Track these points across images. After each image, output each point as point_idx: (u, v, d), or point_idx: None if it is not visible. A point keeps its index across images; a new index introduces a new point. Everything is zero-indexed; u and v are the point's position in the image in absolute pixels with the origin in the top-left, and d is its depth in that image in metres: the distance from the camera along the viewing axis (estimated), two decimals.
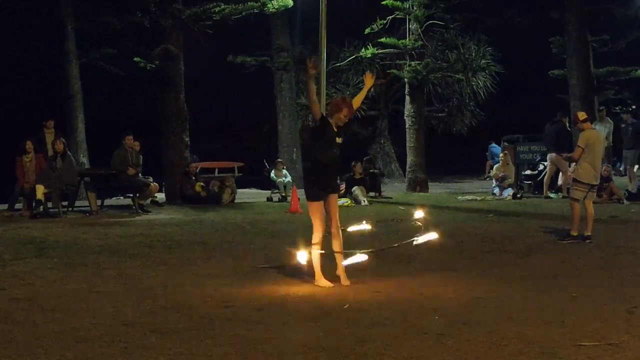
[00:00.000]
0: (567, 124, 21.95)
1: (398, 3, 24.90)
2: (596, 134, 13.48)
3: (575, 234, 12.99)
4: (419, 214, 10.31)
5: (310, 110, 9.36)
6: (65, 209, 17.98)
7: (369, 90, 10.41)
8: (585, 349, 6.43)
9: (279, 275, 10.05)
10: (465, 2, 26.61)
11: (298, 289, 9.10)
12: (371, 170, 23.07)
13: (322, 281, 9.39)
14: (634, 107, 30.79)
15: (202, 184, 20.50)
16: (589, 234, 13.04)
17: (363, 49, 27.05)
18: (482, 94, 32.64)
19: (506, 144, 26.44)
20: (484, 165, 31.70)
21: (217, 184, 20.88)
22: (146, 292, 8.93)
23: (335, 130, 9.43)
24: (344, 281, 9.45)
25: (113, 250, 12.43)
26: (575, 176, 13.18)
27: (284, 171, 22.95)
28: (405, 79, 25.65)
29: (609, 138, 23.94)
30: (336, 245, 9.56)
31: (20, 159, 17.95)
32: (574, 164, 13.59)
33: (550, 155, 21.38)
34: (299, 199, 19.05)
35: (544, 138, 22.24)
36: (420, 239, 9.62)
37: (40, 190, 17.16)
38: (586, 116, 13.70)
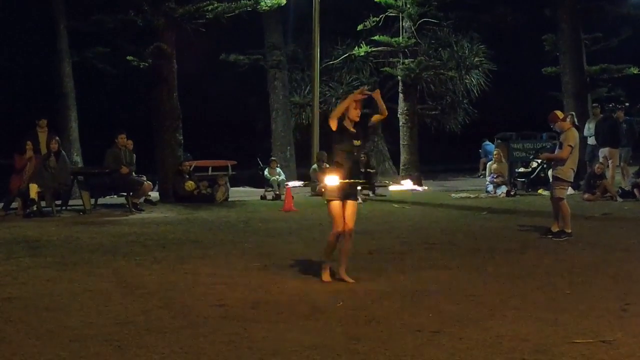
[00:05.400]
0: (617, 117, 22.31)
1: (391, 1, 24.94)
2: (577, 133, 13.64)
3: (568, 230, 13.02)
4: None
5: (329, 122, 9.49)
6: (59, 208, 17.97)
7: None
8: (579, 346, 6.43)
9: (273, 274, 10.04)
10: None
11: (292, 287, 9.10)
12: (367, 170, 23.05)
13: (325, 274, 9.54)
14: (627, 104, 30.81)
15: (192, 182, 20.49)
16: (558, 230, 13.18)
17: (356, 47, 27.09)
18: (475, 91, 32.70)
19: (499, 141, 26.46)
20: (478, 163, 31.75)
21: (206, 185, 20.87)
22: (140, 291, 8.92)
23: (354, 131, 9.62)
24: (348, 279, 9.51)
25: (106, 249, 12.42)
26: (559, 175, 13.22)
27: (278, 169, 22.98)
28: (399, 77, 25.68)
29: None
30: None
31: (20, 157, 17.87)
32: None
33: (603, 151, 21.43)
34: (292, 197, 19.07)
35: (596, 134, 22.17)
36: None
37: (33, 190, 17.14)
38: (564, 115, 13.90)
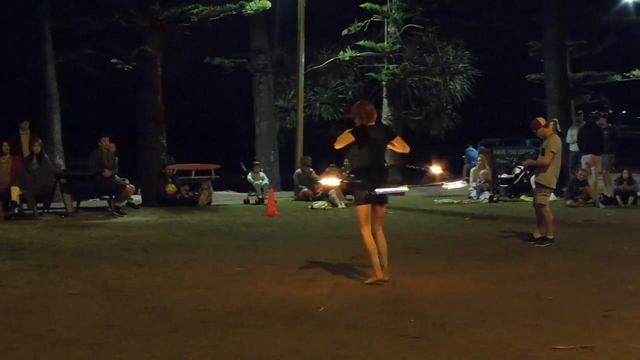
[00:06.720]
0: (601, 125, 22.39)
1: (377, 6, 25.00)
2: (559, 139, 13.69)
3: (551, 237, 13.05)
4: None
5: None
6: (41, 211, 17.89)
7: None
8: (560, 352, 6.44)
9: (255, 278, 10.02)
10: (443, 5, 26.73)
11: (274, 292, 9.08)
12: (350, 174, 23.03)
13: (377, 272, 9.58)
14: (610, 111, 31.00)
15: (173, 185, 20.44)
16: (540, 236, 13.22)
17: (341, 52, 27.11)
18: (459, 97, 32.75)
19: (483, 147, 26.52)
20: (461, 169, 31.77)
21: (187, 188, 20.82)
22: (121, 295, 8.89)
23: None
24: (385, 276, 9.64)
25: (88, 252, 12.38)
26: (542, 182, 13.24)
27: (261, 173, 22.94)
28: (383, 82, 25.71)
29: None
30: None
31: None
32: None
33: (586, 157, 21.46)
34: (275, 201, 19.05)
35: (579, 141, 22.19)
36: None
37: (15, 192, 17.05)
38: (546, 122, 13.96)
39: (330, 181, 10.04)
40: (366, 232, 9.63)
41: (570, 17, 29.78)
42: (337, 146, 9.81)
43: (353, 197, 9.86)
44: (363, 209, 9.64)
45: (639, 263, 11.25)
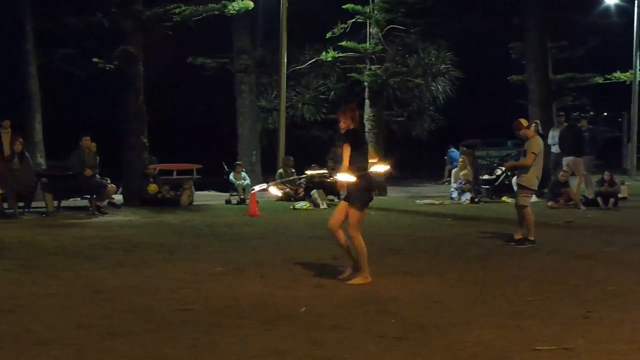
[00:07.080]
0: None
1: (359, 7, 24.98)
2: (541, 141, 13.72)
3: (532, 238, 13.08)
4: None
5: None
6: (22, 210, 17.80)
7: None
8: (541, 353, 6.47)
9: (237, 278, 10.01)
10: (426, 7, 26.74)
11: (255, 292, 9.07)
12: (332, 175, 22.99)
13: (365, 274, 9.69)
14: (591, 113, 31.14)
15: (155, 185, 20.36)
16: (521, 237, 13.25)
17: (324, 53, 27.08)
18: (441, 98, 32.79)
19: (465, 148, 26.54)
20: (443, 170, 31.82)
21: (168, 188, 20.74)
22: (103, 295, 8.86)
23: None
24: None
25: (69, 252, 12.33)
26: (523, 183, 13.27)
27: (243, 174, 22.89)
28: (365, 83, 25.71)
29: None
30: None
31: None
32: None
33: (567, 159, 21.48)
34: (257, 201, 19.01)
35: (560, 142, 22.20)
36: None
37: None
38: (527, 123, 14.02)
39: (346, 177, 9.96)
40: (360, 235, 9.69)
41: (551, 19, 29.90)
42: (346, 162, 9.55)
43: (352, 200, 9.71)
44: (364, 212, 9.81)
45: (620, 264, 11.31)
